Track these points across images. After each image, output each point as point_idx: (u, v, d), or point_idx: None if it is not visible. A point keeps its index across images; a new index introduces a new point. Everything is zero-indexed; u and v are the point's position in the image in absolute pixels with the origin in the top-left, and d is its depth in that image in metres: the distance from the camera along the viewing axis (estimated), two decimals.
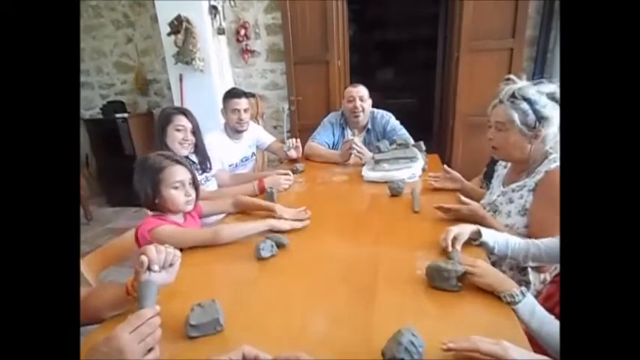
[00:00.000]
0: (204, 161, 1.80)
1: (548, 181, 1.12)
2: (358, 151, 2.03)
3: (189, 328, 0.76)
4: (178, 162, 1.24)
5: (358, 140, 2.11)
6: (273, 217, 1.32)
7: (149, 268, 0.74)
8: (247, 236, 1.21)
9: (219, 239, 1.18)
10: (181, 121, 1.66)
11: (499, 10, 2.87)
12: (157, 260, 0.75)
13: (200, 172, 1.79)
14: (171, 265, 0.79)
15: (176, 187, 1.21)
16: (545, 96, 1.11)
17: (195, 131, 1.71)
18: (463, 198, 1.26)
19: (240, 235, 1.21)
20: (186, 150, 1.69)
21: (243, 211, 1.49)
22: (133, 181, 1.21)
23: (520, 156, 1.20)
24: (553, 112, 1.10)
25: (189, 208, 1.28)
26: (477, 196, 1.48)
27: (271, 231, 1.23)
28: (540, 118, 1.11)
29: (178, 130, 1.65)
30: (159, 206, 1.23)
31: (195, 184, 1.28)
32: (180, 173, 1.22)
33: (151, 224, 1.17)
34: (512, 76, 1.18)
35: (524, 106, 1.12)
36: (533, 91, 1.12)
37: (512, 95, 1.14)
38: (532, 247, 1.01)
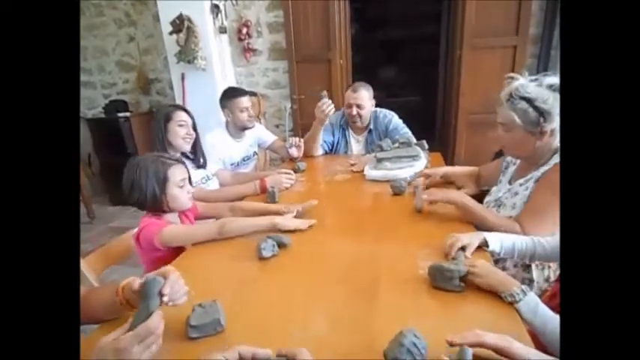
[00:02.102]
0: (199, 157, 1.81)
1: (554, 171, 1.12)
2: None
3: (189, 329, 0.76)
4: (178, 161, 1.28)
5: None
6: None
7: (160, 294, 0.68)
8: (252, 232, 1.23)
9: (226, 233, 1.21)
10: (182, 116, 1.66)
11: (502, 7, 2.85)
12: (171, 293, 0.70)
13: (195, 168, 1.79)
14: (173, 302, 0.72)
15: (181, 186, 1.25)
16: (546, 89, 1.10)
17: (195, 127, 1.72)
18: (427, 171, 1.39)
19: (246, 230, 1.23)
20: (188, 145, 1.70)
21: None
22: (130, 182, 1.20)
23: (530, 153, 1.20)
24: (556, 103, 1.08)
25: (190, 204, 1.33)
26: (468, 173, 1.55)
27: (276, 230, 1.22)
28: (542, 114, 1.09)
29: (181, 125, 1.65)
30: (162, 205, 1.23)
31: (190, 181, 1.32)
32: (183, 172, 1.27)
33: (155, 226, 1.17)
34: (513, 75, 1.17)
35: (523, 104, 1.11)
36: (531, 87, 1.11)
37: (511, 95, 1.14)
38: (538, 247, 1.00)
